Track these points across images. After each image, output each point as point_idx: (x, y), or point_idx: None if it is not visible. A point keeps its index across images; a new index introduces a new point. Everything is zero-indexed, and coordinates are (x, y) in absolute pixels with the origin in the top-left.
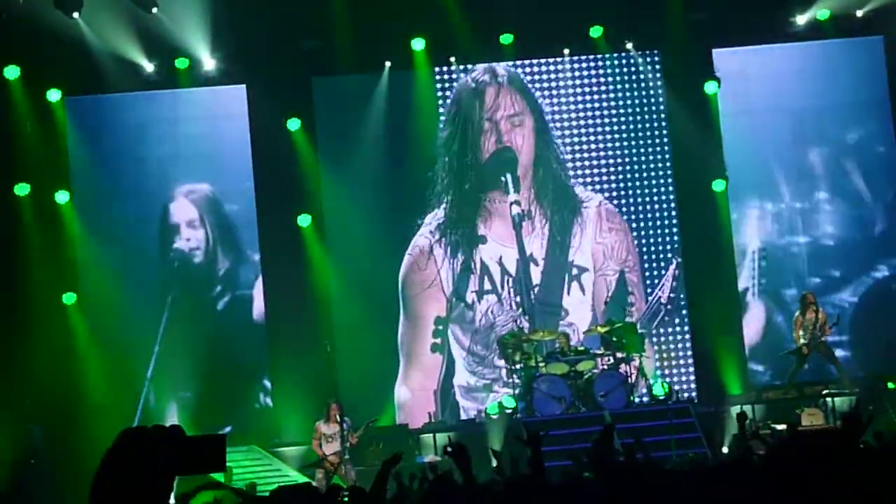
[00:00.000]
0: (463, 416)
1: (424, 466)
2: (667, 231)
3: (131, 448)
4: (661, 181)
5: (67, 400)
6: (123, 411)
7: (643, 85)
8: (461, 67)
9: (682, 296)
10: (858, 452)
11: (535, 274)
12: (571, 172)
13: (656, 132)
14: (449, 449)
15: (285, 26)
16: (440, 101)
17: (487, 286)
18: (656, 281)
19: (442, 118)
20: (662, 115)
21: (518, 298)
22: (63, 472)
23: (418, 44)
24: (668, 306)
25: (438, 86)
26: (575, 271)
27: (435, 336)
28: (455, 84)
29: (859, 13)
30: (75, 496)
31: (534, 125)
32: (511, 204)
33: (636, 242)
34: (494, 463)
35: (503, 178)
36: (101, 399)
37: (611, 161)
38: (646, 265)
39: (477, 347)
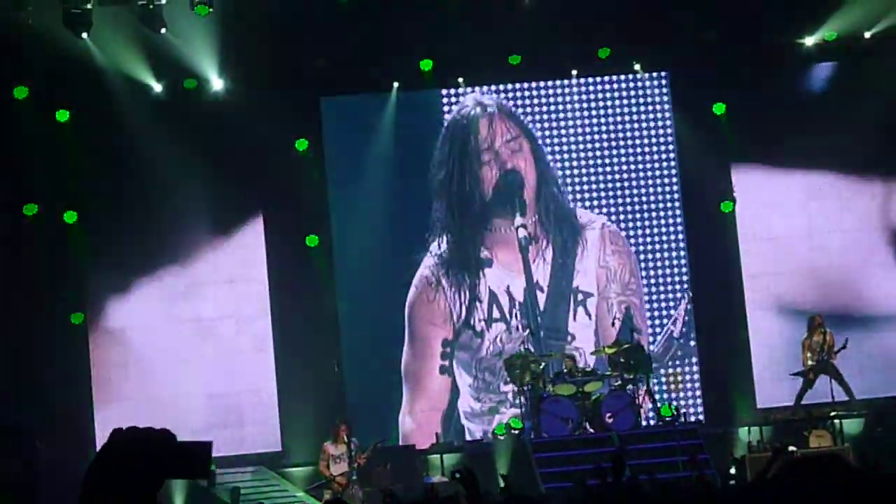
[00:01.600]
0: (468, 438)
1: (428, 488)
2: (674, 254)
3: (122, 447)
4: (669, 203)
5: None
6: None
7: (651, 107)
8: (469, 89)
9: (692, 334)
10: (870, 478)
11: (541, 300)
12: (578, 195)
13: (663, 153)
14: (457, 474)
15: (293, 46)
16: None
17: (496, 314)
18: (662, 304)
19: (435, 158)
20: (670, 137)
21: (524, 321)
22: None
23: (427, 64)
24: (681, 340)
25: (446, 108)
26: (580, 297)
27: (443, 358)
28: (448, 116)
29: (867, 34)
30: None
31: (530, 148)
32: (518, 228)
33: (643, 266)
34: (502, 484)
35: (510, 203)
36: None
37: (617, 183)
38: (653, 289)
39: (484, 374)
